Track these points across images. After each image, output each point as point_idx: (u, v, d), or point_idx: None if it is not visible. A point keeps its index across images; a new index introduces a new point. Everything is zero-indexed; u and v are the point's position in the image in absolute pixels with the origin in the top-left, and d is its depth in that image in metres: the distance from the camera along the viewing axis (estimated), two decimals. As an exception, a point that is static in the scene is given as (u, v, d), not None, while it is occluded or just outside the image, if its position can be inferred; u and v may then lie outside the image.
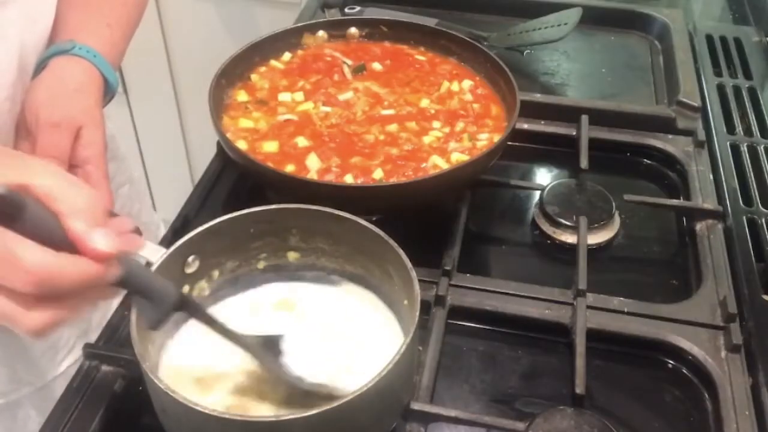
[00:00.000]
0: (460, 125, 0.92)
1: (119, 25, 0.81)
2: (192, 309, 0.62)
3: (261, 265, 0.74)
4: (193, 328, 0.70)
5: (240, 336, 0.63)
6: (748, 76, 1.17)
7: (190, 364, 0.67)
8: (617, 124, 1.05)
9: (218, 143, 0.95)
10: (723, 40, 1.26)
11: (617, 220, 0.92)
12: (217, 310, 0.72)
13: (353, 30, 1.07)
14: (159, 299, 0.57)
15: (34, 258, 0.46)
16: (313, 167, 0.84)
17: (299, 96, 0.96)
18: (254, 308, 0.73)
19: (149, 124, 2.06)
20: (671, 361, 0.76)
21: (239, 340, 0.63)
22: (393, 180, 0.83)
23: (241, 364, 0.66)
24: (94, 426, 0.67)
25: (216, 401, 0.63)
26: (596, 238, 0.89)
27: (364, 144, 0.89)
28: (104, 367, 0.72)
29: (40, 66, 0.76)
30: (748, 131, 1.05)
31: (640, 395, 0.74)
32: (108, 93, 0.79)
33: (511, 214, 0.95)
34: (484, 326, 0.79)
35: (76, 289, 0.49)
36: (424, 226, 0.88)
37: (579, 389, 0.69)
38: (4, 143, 0.74)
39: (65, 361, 0.95)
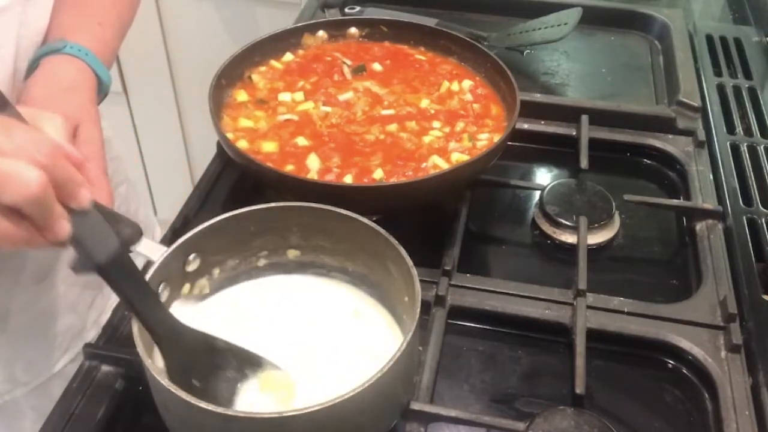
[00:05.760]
0: (460, 125, 0.92)
1: (111, 23, 0.81)
2: (117, 277, 0.57)
3: (261, 263, 0.75)
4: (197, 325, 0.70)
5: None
6: (748, 76, 1.17)
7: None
8: (617, 124, 1.05)
9: (218, 143, 0.95)
10: (723, 40, 1.26)
11: (617, 220, 0.92)
12: (215, 305, 0.72)
13: (353, 30, 1.07)
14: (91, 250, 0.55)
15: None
16: (313, 167, 0.84)
17: (299, 96, 0.96)
18: (254, 304, 0.73)
19: (149, 124, 2.06)
20: (671, 361, 0.76)
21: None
22: (393, 180, 0.83)
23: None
24: (94, 426, 0.67)
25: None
26: (596, 238, 0.89)
27: (364, 144, 0.89)
28: (104, 367, 0.72)
29: (32, 66, 0.75)
30: (748, 131, 1.05)
31: (640, 395, 0.74)
32: (101, 91, 0.79)
33: (511, 214, 0.95)
34: (484, 326, 0.79)
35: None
36: (424, 226, 0.88)
37: (579, 389, 0.69)
38: None
39: (61, 360, 0.95)
